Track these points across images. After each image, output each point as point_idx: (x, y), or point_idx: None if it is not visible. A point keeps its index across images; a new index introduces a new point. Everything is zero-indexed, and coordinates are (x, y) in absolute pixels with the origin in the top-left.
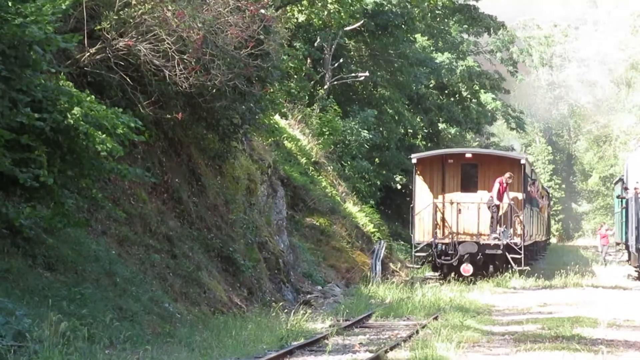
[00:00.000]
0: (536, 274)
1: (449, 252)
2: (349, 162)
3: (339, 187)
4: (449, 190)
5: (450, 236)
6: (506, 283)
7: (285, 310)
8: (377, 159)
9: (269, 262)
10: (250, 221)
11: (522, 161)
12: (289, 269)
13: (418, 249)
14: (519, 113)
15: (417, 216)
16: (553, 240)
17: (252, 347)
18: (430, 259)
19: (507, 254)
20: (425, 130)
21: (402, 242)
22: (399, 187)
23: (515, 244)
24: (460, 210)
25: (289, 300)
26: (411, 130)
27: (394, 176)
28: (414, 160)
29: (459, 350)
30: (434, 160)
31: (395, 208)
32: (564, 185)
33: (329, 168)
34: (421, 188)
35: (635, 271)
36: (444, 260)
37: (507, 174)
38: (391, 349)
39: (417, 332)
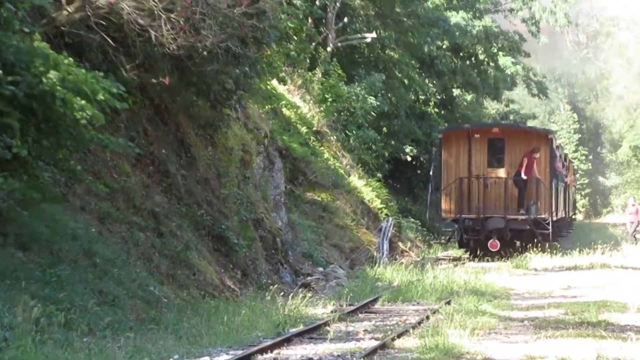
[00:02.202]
0: (560, 254)
1: (476, 227)
2: (354, 132)
3: (342, 159)
4: (475, 165)
5: (477, 212)
6: (526, 264)
7: (283, 294)
8: (385, 128)
9: (265, 241)
10: (245, 196)
11: (550, 135)
12: (287, 249)
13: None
14: (542, 78)
15: (443, 192)
16: (579, 217)
17: (245, 335)
18: (456, 235)
19: (534, 229)
20: (438, 97)
21: (412, 220)
22: (409, 158)
23: (543, 219)
24: (487, 185)
25: (287, 283)
26: (423, 97)
27: (404, 147)
28: (439, 135)
29: (474, 337)
30: (459, 134)
31: (404, 182)
32: (590, 157)
33: (331, 138)
34: (447, 163)
35: None
36: (471, 236)
37: (535, 148)
38: (398, 336)
39: (428, 317)
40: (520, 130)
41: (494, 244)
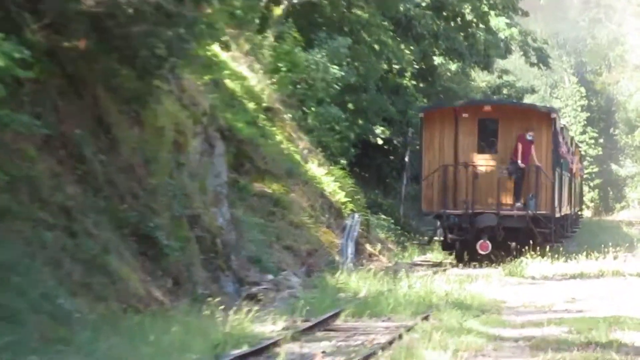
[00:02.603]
0: (563, 258)
1: (463, 225)
2: (313, 109)
3: (299, 142)
4: (463, 150)
5: (464, 206)
6: (522, 271)
7: (224, 307)
8: (350, 105)
9: (202, 242)
10: (178, 187)
11: (553, 115)
12: (230, 252)
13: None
14: (542, 43)
15: (424, 182)
16: (586, 213)
17: (177, 357)
18: (438, 234)
19: (533, 228)
20: (416, 66)
21: (383, 216)
22: (379, 142)
23: (544, 215)
24: (476, 175)
25: (228, 294)
26: (397, 66)
27: (374, 128)
28: (420, 114)
29: None
30: (445, 114)
31: (374, 170)
32: (601, 140)
33: (286, 116)
34: (429, 148)
35: None
36: (457, 236)
37: (528, 129)
38: (365, 359)
39: (401, 336)
40: (517, 108)
41: (485, 246)
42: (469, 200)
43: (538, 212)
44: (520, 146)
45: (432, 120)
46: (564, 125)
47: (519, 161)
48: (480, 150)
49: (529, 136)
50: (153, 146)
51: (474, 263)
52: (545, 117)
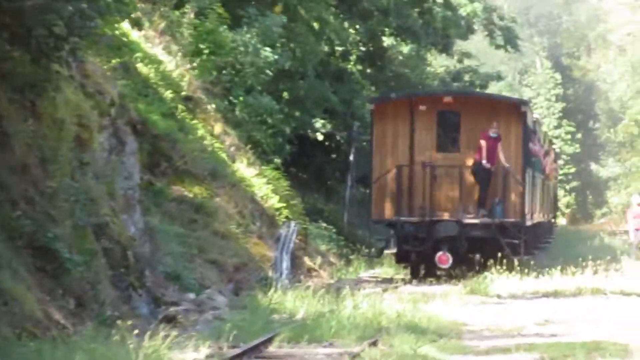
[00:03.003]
0: (534, 274)
1: (420, 235)
2: (241, 98)
3: (225, 137)
4: (420, 148)
5: (421, 213)
6: (486, 288)
7: (137, 332)
8: (286, 94)
9: (111, 255)
10: (82, 191)
11: (523, 107)
12: (144, 267)
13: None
14: (510, 22)
15: (375, 185)
16: (561, 221)
17: None
18: (392, 245)
19: (500, 238)
20: (363, 48)
21: (324, 225)
22: (320, 137)
23: (513, 224)
24: (435, 176)
25: (142, 316)
26: (340, 48)
27: (313, 120)
28: (370, 107)
29: None
30: (399, 106)
31: (314, 171)
32: (579, 136)
33: (209, 107)
34: (381, 145)
35: None
36: (413, 247)
37: (494, 125)
38: None
39: None
40: (482, 99)
41: (444, 259)
42: (427, 206)
43: (506, 219)
44: (484, 144)
45: (384, 113)
46: (537, 118)
47: (484, 161)
48: (440, 148)
49: (492, 133)
50: (51, 142)
51: (431, 279)
52: (514, 109)
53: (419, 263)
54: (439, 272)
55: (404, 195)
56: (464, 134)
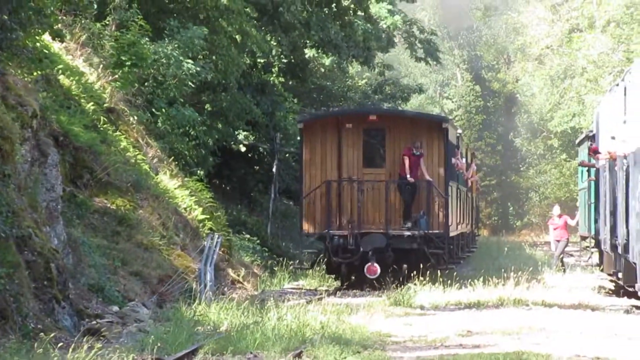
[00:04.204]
0: (457, 285)
1: (349, 247)
2: (163, 110)
3: (148, 149)
4: (347, 164)
5: (349, 226)
6: (409, 300)
7: (60, 345)
8: (208, 106)
9: (34, 268)
10: (3, 203)
11: (445, 124)
12: (67, 280)
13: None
14: (430, 34)
15: (305, 200)
16: (483, 232)
17: None
18: (322, 256)
19: (425, 248)
20: (285, 60)
21: (247, 237)
22: (243, 149)
23: (437, 235)
24: (362, 191)
25: (65, 329)
26: (262, 60)
27: (236, 132)
28: (300, 125)
29: None
30: (326, 124)
31: (237, 182)
32: (499, 147)
33: (131, 119)
34: (311, 162)
35: (611, 281)
36: (342, 259)
37: (415, 144)
38: None
39: None
40: (406, 117)
41: (373, 269)
42: (355, 220)
43: (430, 231)
44: (406, 160)
45: (313, 131)
46: (460, 134)
47: (408, 176)
48: (367, 164)
49: (416, 151)
50: None
51: (355, 291)
52: (436, 126)
53: (349, 274)
54: (367, 284)
55: (333, 209)
56: (389, 149)
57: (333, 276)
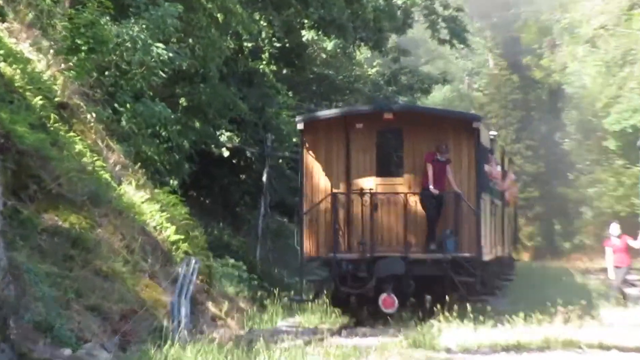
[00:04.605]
0: (491, 321)
1: (360, 274)
2: (128, 105)
3: (109, 153)
4: (357, 173)
5: (361, 249)
6: (432, 340)
7: None
8: (183, 100)
9: None
10: None
11: (476, 124)
12: (8, 316)
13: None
14: (455, 11)
15: (306, 217)
16: (523, 256)
17: None
18: (328, 286)
19: (453, 275)
20: (278, 44)
21: (232, 261)
22: (226, 153)
23: (467, 259)
24: (376, 205)
25: None
26: (250, 45)
27: (218, 133)
28: (299, 126)
29: None
30: (332, 125)
31: (220, 194)
32: (542, 151)
33: (89, 116)
34: (312, 171)
35: None
36: (352, 288)
37: (440, 147)
38: None
39: None
40: (429, 115)
41: (390, 301)
42: (367, 241)
43: (459, 254)
44: (430, 168)
45: (315, 133)
46: (494, 136)
47: (431, 186)
48: (381, 173)
49: (441, 156)
50: None
51: (364, 328)
52: (465, 126)
53: (361, 307)
54: (382, 319)
55: (340, 228)
56: (407, 155)
57: (339, 310)
